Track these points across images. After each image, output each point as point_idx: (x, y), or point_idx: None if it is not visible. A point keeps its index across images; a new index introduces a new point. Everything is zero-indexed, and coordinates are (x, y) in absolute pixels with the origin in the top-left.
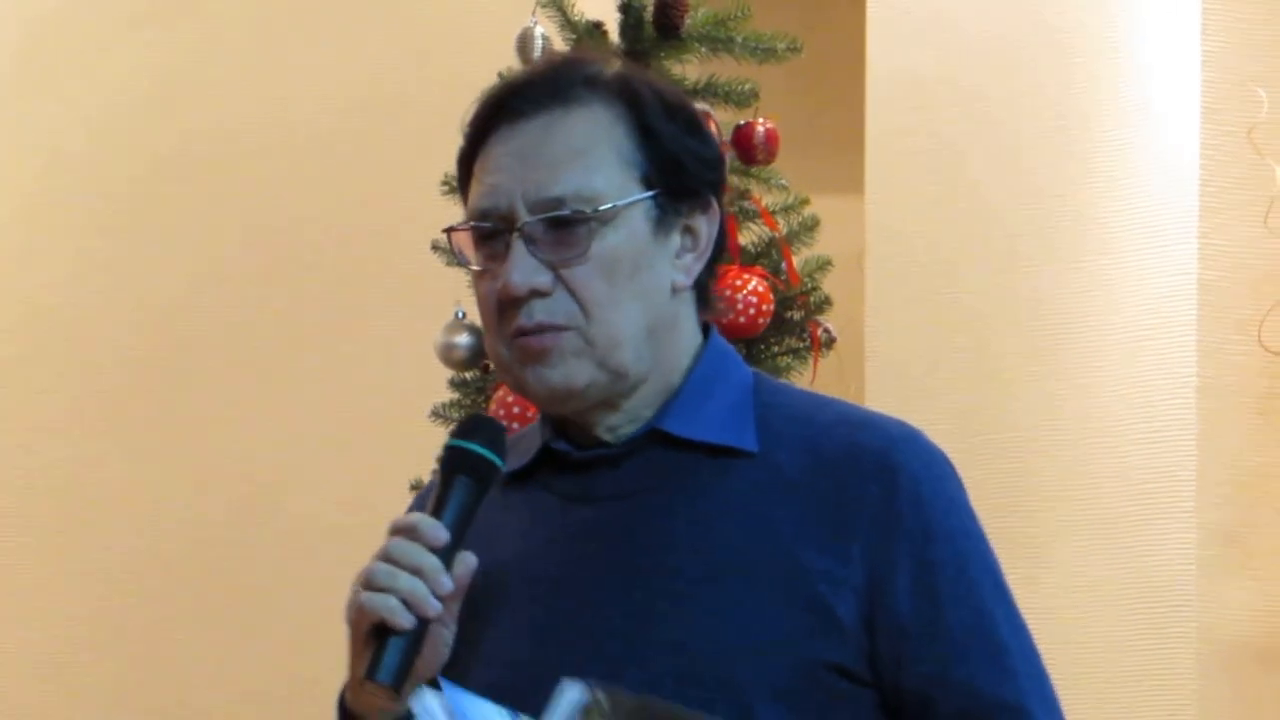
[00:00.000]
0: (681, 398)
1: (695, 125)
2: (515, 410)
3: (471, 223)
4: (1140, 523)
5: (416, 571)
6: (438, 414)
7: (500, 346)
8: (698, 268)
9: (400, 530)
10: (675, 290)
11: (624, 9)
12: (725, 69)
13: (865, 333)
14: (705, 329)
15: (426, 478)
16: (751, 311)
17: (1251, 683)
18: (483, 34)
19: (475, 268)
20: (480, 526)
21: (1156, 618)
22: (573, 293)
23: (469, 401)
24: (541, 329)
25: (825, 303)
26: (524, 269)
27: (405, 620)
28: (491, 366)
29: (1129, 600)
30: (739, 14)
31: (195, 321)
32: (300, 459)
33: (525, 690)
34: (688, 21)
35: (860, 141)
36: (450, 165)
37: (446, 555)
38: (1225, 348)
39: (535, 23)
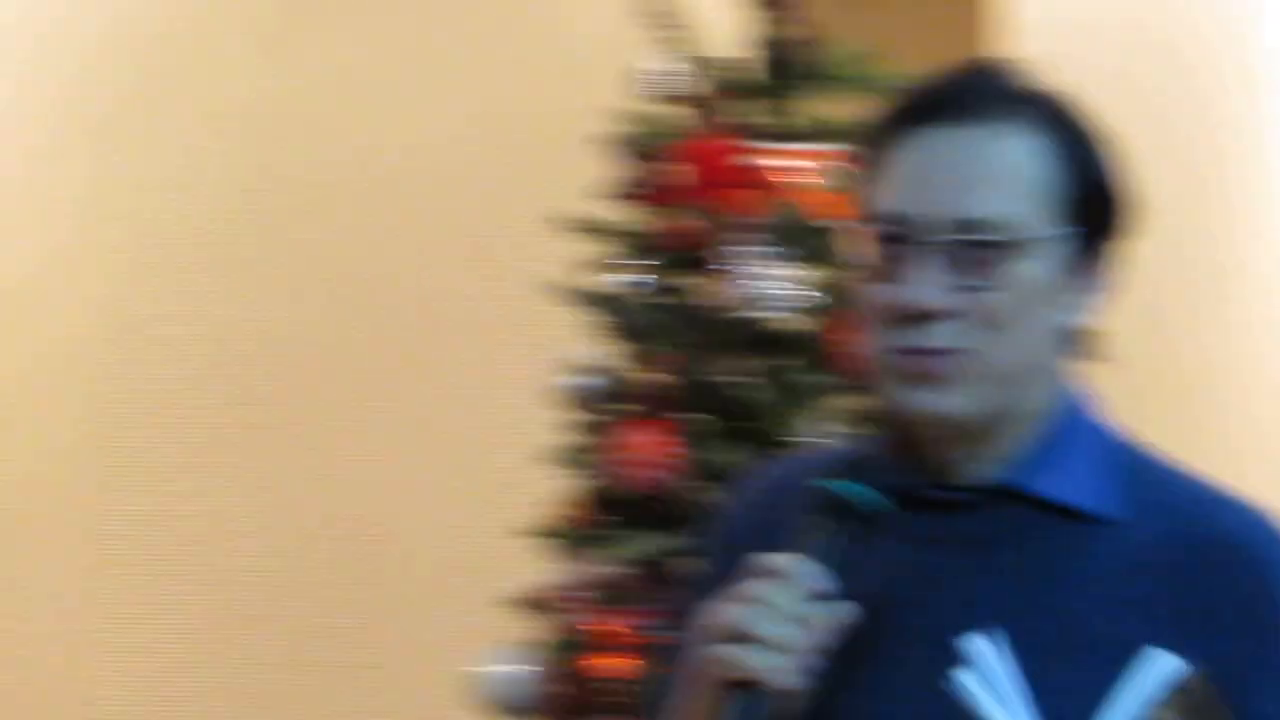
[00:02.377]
0: (1045, 450)
1: (1115, 163)
2: (640, 455)
3: (881, 223)
4: None
5: (795, 623)
6: (559, 457)
7: (879, 351)
8: (1091, 310)
9: (772, 573)
10: (1065, 331)
11: (756, 44)
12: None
13: None
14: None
15: (547, 524)
16: None
17: None
18: (598, 69)
19: (867, 263)
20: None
21: None
22: (977, 316)
23: (592, 444)
24: (940, 349)
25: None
26: (931, 286)
27: (786, 680)
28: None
29: None
30: (876, 49)
31: (307, 358)
32: (411, 502)
33: None
34: (822, 58)
35: None
36: (562, 201)
37: (822, 604)
38: None
39: (664, 56)
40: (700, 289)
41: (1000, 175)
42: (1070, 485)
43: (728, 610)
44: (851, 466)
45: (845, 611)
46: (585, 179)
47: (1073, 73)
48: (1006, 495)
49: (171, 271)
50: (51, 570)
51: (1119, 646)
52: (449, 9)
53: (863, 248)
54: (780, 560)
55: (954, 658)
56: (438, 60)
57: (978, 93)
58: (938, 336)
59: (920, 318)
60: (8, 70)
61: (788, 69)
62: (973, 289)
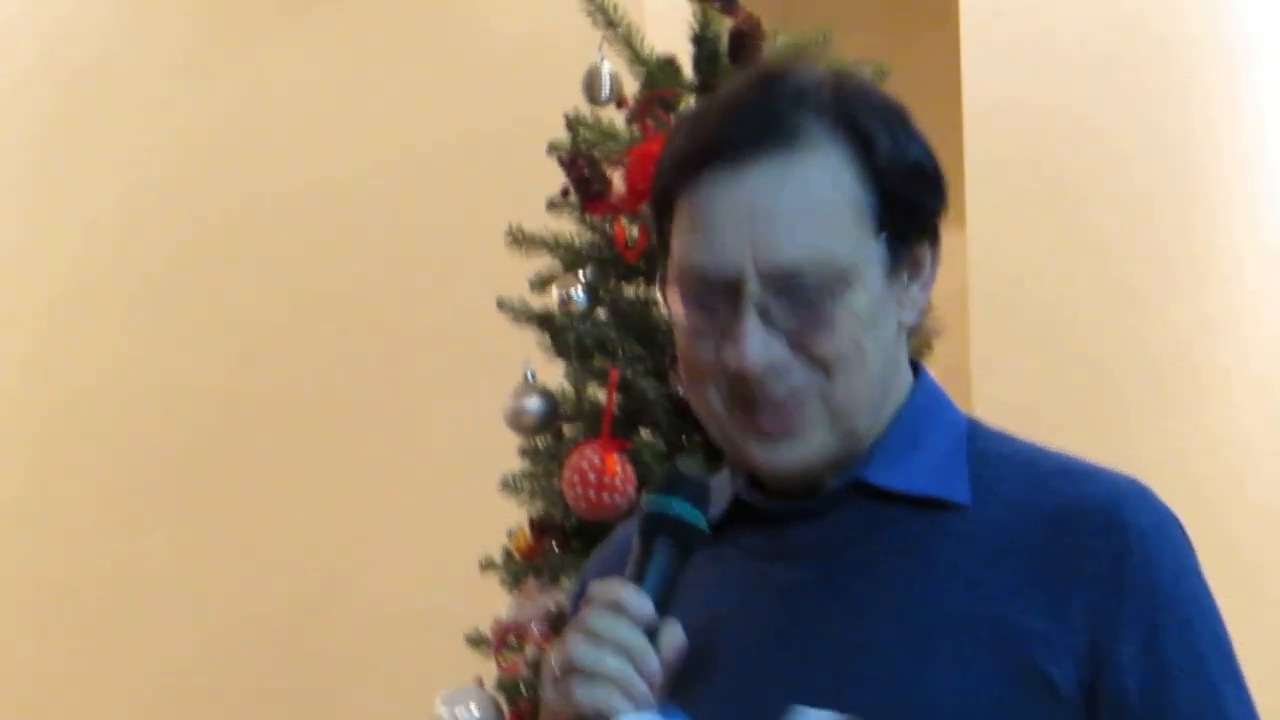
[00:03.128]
0: (889, 445)
1: (916, 138)
2: (592, 478)
3: (690, 282)
4: (1272, 565)
5: (622, 650)
6: (508, 485)
7: (717, 406)
8: (923, 299)
9: (600, 602)
10: (900, 329)
11: (696, 41)
12: None
13: (971, 377)
14: (914, 366)
15: (497, 554)
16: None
17: None
18: (545, 74)
19: (684, 323)
20: None
21: None
22: (811, 358)
23: (542, 470)
24: (780, 404)
25: (925, 346)
26: (760, 346)
27: (618, 707)
28: (566, 431)
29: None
30: (819, 40)
31: (245, 399)
32: (363, 541)
33: None
34: (765, 50)
35: (959, 172)
36: (514, 215)
37: (653, 630)
38: None
39: (603, 59)
40: (646, 300)
41: (801, 211)
42: (917, 475)
43: (563, 646)
44: (675, 481)
45: (679, 635)
46: (535, 191)
47: (1047, 55)
48: (856, 494)
49: (109, 316)
50: None
51: (988, 627)
52: (387, 24)
53: (676, 304)
54: (607, 588)
55: (815, 669)
56: (378, 78)
57: (757, 117)
58: (779, 388)
59: (755, 376)
60: None
61: (727, 65)
62: (803, 333)
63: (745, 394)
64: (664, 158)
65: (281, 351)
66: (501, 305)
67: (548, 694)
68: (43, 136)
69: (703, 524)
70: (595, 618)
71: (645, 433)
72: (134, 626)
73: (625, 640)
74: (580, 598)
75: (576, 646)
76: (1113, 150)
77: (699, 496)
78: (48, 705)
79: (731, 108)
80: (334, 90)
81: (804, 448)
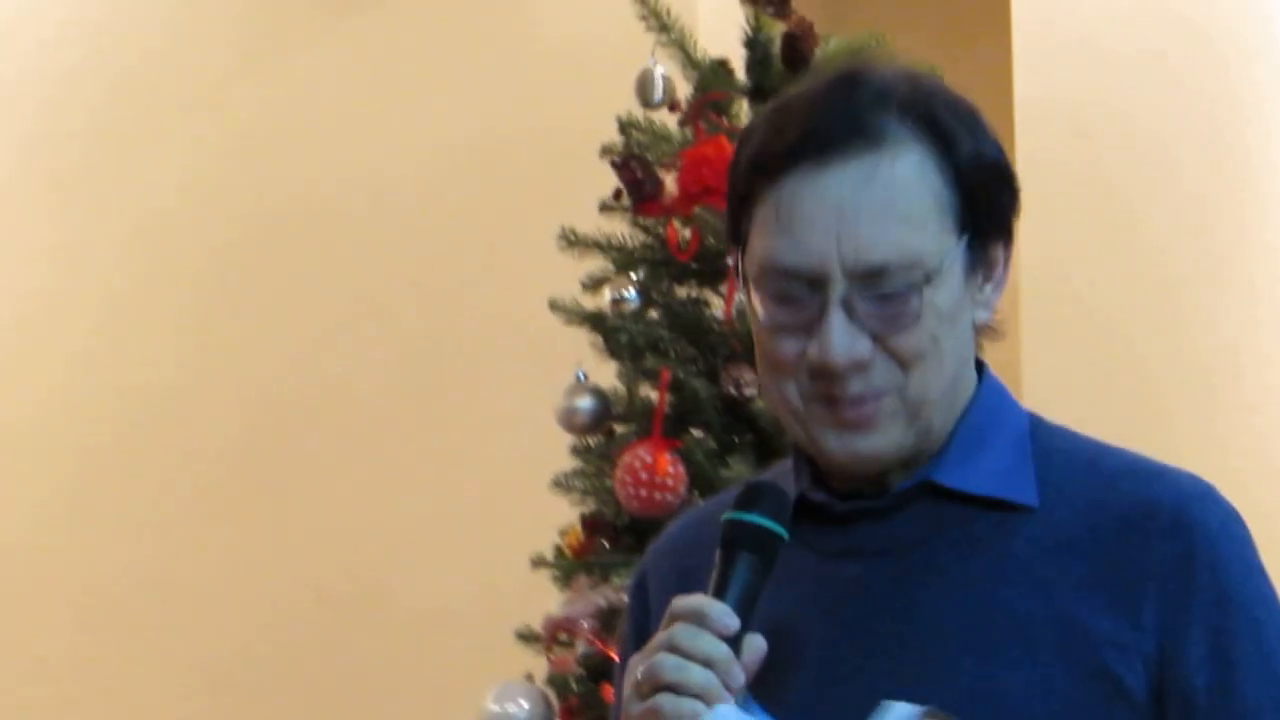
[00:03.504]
0: (956, 445)
1: (990, 137)
2: (644, 477)
3: (777, 279)
4: None
5: (707, 663)
6: (560, 484)
7: (796, 400)
8: (996, 298)
9: (684, 615)
10: (976, 328)
11: (749, 44)
12: None
13: (1021, 378)
14: (978, 365)
15: (549, 553)
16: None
17: None
18: (598, 77)
19: (766, 319)
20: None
21: None
22: (892, 354)
23: (593, 469)
24: (861, 399)
25: (979, 347)
26: (846, 341)
27: None
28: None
29: None
30: (873, 43)
31: (295, 397)
32: (414, 539)
33: None
34: (818, 53)
35: None
36: (566, 217)
37: (736, 643)
38: None
39: (655, 62)
40: (698, 300)
41: (888, 211)
42: (985, 476)
43: (646, 661)
44: (756, 491)
45: (756, 646)
46: (587, 193)
47: (1098, 58)
48: (923, 494)
49: (158, 315)
50: (37, 630)
51: (1057, 628)
52: (438, 25)
53: (757, 300)
54: (690, 602)
55: (883, 669)
56: (430, 80)
57: (842, 117)
58: (860, 384)
59: (839, 372)
60: None
61: (780, 68)
62: (886, 330)
63: (826, 389)
64: (742, 156)
65: (332, 350)
66: (554, 306)
67: (632, 709)
68: (92, 135)
69: (784, 535)
70: (680, 632)
71: (696, 432)
72: (184, 625)
73: (710, 653)
74: (637, 592)
75: (662, 660)
76: (1164, 152)
77: (779, 508)
78: (94, 701)
79: (814, 107)
80: (385, 91)
81: (880, 441)
